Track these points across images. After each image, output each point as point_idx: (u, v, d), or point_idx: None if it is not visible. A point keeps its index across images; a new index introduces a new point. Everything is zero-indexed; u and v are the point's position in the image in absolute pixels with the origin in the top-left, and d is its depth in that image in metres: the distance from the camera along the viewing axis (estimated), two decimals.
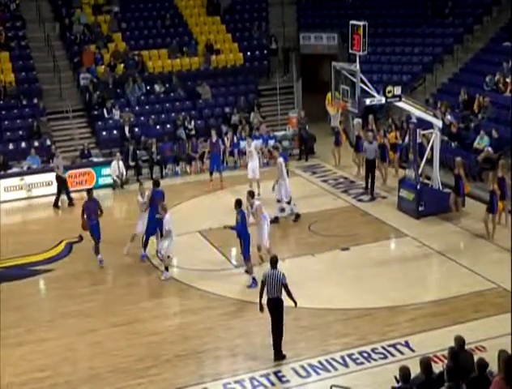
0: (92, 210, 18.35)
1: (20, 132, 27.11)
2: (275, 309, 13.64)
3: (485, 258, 18.15)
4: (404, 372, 10.11)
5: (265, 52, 32.47)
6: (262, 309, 13.79)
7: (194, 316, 15.85)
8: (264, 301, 13.70)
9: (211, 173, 24.24)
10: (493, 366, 9.87)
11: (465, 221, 20.50)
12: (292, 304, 13.77)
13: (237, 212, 16.90)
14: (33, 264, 18.74)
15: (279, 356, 13.77)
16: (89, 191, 19.01)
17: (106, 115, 28.22)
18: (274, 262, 13.74)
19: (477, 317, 15.07)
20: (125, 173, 25.14)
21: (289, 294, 13.67)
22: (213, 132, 25.18)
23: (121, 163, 25.11)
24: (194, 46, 31.69)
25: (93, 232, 18.35)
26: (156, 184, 19.09)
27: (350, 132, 27.91)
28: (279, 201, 20.97)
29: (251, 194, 17.63)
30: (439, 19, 32.02)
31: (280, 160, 21.04)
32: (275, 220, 20.22)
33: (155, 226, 18.21)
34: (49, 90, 29.07)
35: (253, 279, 16.69)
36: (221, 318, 15.75)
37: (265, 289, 13.60)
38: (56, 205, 23.41)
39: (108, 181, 25.12)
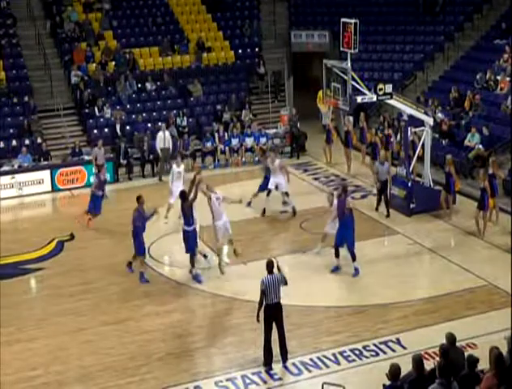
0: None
1: (11, 130, 26.99)
2: (278, 314, 13.29)
3: (476, 256, 18.21)
4: (394, 370, 10.11)
5: (256, 50, 32.44)
6: (259, 319, 13.28)
7: (186, 314, 15.85)
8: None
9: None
10: (484, 363, 9.89)
11: (456, 218, 20.53)
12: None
13: None
14: (24, 263, 18.64)
15: (286, 355, 13.55)
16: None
17: (97, 113, 28.13)
18: (270, 266, 13.29)
19: (468, 314, 15.10)
20: (171, 146, 25.19)
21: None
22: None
23: (167, 133, 25.20)
24: (186, 44, 31.66)
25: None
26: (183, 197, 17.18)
27: (341, 130, 27.93)
28: (287, 194, 21.17)
29: (210, 189, 17.40)
30: (430, 17, 32.05)
31: (278, 161, 21.07)
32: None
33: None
34: (39, 88, 28.97)
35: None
36: (212, 316, 15.76)
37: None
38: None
39: None
